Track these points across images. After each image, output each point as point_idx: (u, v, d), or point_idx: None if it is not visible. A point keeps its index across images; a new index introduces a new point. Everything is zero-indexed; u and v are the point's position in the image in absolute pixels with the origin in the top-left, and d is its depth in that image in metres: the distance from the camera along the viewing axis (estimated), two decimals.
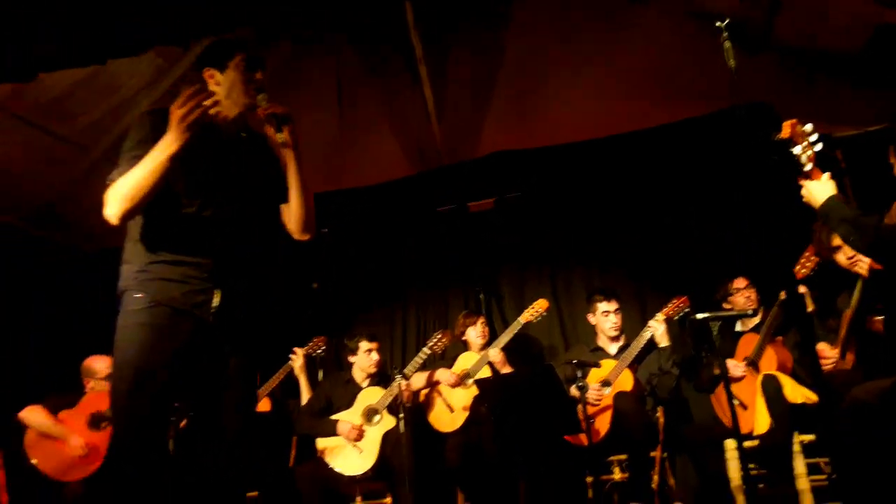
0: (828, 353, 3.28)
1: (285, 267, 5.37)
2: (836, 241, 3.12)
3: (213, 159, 2.15)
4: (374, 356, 4.34)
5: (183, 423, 3.58)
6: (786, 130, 2.30)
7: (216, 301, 2.08)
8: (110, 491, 2.00)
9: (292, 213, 2.22)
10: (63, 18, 3.24)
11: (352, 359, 4.40)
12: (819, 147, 2.32)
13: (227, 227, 2.13)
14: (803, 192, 2.40)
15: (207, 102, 1.94)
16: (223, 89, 2.18)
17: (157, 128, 2.06)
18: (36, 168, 4.91)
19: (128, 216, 2.03)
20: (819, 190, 2.36)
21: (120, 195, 1.99)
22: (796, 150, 2.31)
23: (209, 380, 2.11)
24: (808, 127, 2.32)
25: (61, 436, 4.04)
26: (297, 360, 4.57)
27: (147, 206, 2.03)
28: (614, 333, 4.22)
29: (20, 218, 5.13)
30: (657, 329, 4.03)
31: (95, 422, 4.12)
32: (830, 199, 2.34)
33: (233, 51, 2.21)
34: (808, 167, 2.33)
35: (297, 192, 2.20)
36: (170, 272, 2.07)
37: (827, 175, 2.36)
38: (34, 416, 4.06)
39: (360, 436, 4.08)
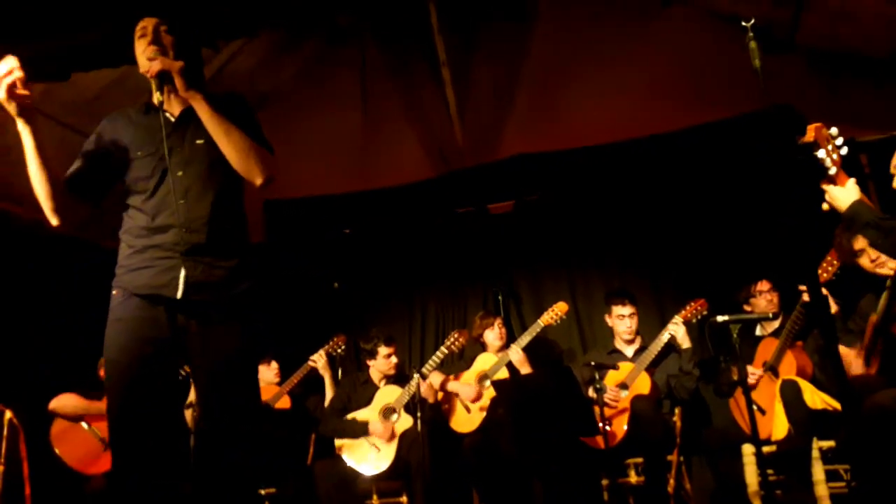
0: (850, 358, 3.23)
1: (307, 266, 5.46)
2: (859, 244, 3.08)
3: (155, 140, 2.09)
4: (393, 360, 4.36)
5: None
6: (810, 134, 2.27)
7: (183, 276, 2.01)
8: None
9: (231, 164, 2.07)
10: (95, 18, 3.30)
11: (370, 362, 4.43)
12: (845, 151, 2.29)
13: (184, 201, 2.05)
14: (827, 196, 2.37)
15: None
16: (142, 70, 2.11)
17: (102, 129, 2.18)
18: (67, 168, 5.00)
19: (51, 215, 2.08)
20: (844, 195, 2.33)
21: None
22: (821, 153, 2.28)
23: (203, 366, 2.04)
24: (834, 131, 2.29)
25: (100, 411, 4.02)
26: (319, 360, 4.62)
27: (94, 201, 2.14)
28: (628, 337, 4.21)
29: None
30: (677, 331, 4.01)
31: None
32: (856, 203, 2.30)
33: (133, 32, 2.12)
34: (833, 171, 2.30)
35: (220, 139, 2.05)
36: (138, 261, 2.05)
37: (853, 181, 2.33)
38: (67, 401, 4.09)
39: (392, 436, 4.11)
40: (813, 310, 3.51)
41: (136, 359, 1.98)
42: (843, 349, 3.29)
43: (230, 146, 2.05)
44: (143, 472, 1.94)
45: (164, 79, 2.04)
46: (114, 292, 2.07)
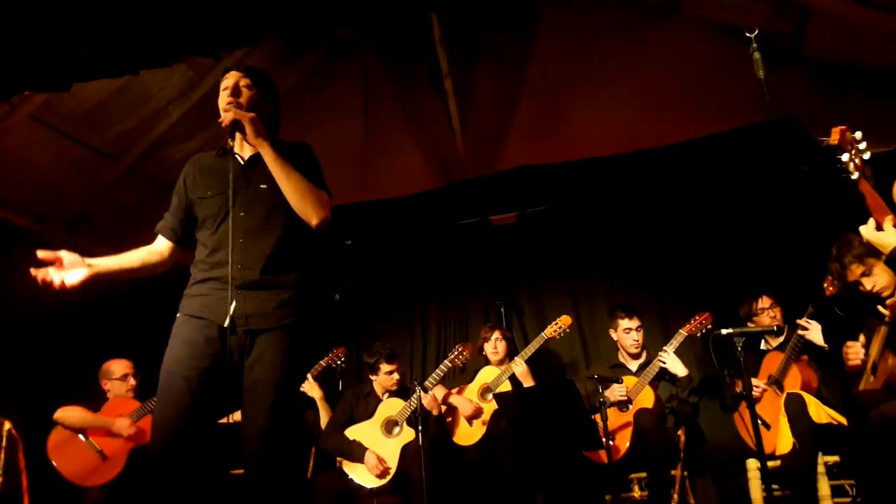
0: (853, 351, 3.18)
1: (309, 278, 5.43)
2: (853, 275, 3.06)
3: (224, 181, 2.27)
4: (395, 376, 4.32)
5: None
6: (835, 136, 2.26)
7: (233, 307, 2.17)
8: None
9: (290, 203, 2.25)
10: (98, 29, 3.30)
11: (372, 377, 4.40)
12: (867, 156, 2.28)
13: (242, 240, 2.23)
14: (866, 235, 2.36)
15: None
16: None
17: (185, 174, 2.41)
18: (66, 177, 5.00)
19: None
20: (887, 238, 2.32)
21: None
22: (844, 157, 2.26)
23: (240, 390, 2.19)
24: (858, 134, 2.28)
25: (105, 424, 4.04)
26: (304, 384, 4.58)
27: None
28: (635, 351, 4.17)
29: (61, 229, 5.20)
30: (667, 360, 3.97)
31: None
32: None
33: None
34: (856, 176, 2.29)
35: (281, 181, 2.23)
36: (196, 290, 2.27)
37: (890, 219, 2.31)
38: (72, 413, 4.06)
39: (383, 473, 4.04)
40: (818, 321, 3.50)
41: (189, 369, 2.14)
42: (848, 344, 3.24)
43: (289, 186, 2.21)
44: (178, 472, 2.09)
45: (235, 128, 2.24)
46: (178, 315, 2.27)
